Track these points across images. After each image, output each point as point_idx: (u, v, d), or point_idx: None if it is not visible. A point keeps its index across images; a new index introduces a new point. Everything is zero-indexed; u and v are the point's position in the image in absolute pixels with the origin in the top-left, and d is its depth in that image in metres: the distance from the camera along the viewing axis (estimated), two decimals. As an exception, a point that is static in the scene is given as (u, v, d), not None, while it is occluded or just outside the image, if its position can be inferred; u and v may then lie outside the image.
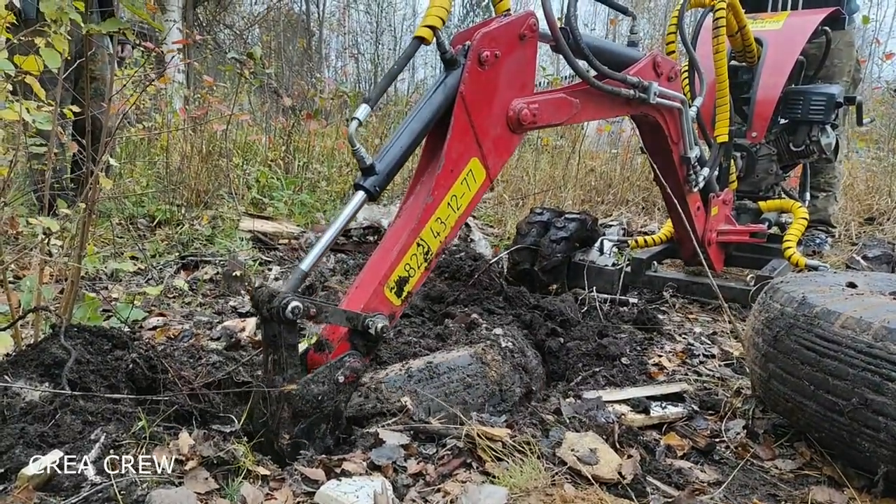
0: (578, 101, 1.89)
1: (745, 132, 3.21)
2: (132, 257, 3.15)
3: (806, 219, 3.14)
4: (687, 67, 2.84)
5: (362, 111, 1.49)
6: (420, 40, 1.55)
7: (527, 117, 1.71)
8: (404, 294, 1.56)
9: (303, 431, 1.38)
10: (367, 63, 16.38)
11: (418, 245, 1.56)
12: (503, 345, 2.02)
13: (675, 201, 2.54)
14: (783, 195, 3.53)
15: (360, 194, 1.52)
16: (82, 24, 1.63)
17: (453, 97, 1.58)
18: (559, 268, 2.99)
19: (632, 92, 2.03)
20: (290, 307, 1.32)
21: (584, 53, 1.87)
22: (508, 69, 1.68)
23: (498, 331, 2.11)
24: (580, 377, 2.13)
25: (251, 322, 2.35)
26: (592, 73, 1.98)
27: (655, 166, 2.53)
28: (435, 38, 1.55)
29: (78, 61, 2.60)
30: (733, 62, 3.23)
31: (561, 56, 1.87)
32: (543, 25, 1.78)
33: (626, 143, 6.13)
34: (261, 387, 1.41)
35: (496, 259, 3.04)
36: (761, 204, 3.32)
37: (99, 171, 1.72)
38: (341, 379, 1.43)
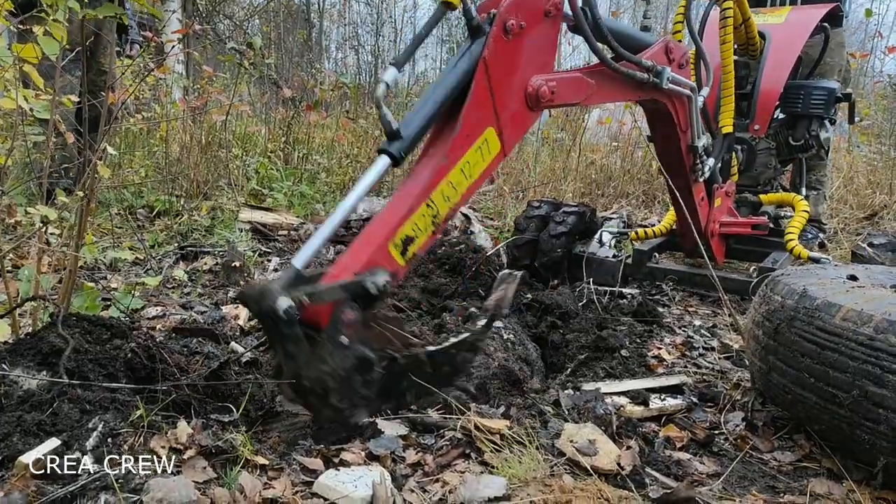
0: (594, 82, 1.88)
1: (746, 125, 3.20)
2: (130, 248, 3.14)
3: (807, 211, 3.13)
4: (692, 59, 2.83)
5: (390, 74, 1.48)
6: (447, 5, 1.54)
7: (545, 94, 1.70)
8: (409, 254, 1.51)
9: (346, 395, 1.35)
10: (368, 55, 16.30)
11: (428, 206, 1.52)
12: (504, 337, 2.02)
13: (680, 191, 2.53)
14: (780, 189, 3.52)
15: (385, 159, 1.49)
16: (79, 10, 1.61)
17: (477, 65, 1.57)
18: (560, 262, 2.99)
19: (646, 76, 2.02)
20: (282, 309, 1.27)
21: (603, 34, 1.86)
22: (531, 43, 1.67)
23: (499, 323, 2.11)
24: (579, 369, 2.13)
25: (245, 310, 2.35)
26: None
27: (661, 155, 2.52)
28: (462, 4, 1.54)
29: (76, 50, 2.58)
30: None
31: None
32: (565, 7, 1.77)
33: (627, 136, 6.11)
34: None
35: (493, 251, 3.03)
36: (762, 197, 3.32)
37: (97, 159, 1.71)
38: (345, 340, 1.36)
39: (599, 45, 1.87)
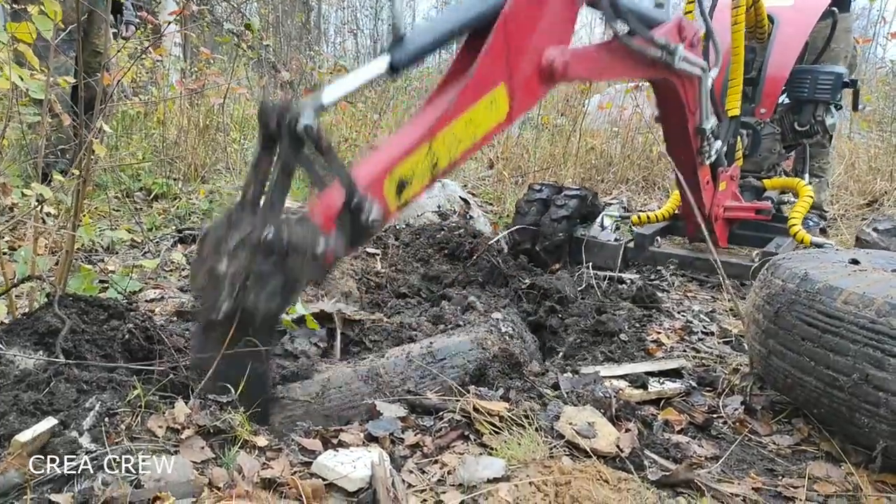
0: (607, 58, 1.88)
1: (753, 109, 3.18)
2: (128, 230, 3.12)
3: (811, 196, 3.12)
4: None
5: None
6: None
7: (559, 68, 1.68)
8: (403, 199, 1.45)
9: (252, 279, 1.19)
10: (367, 39, 16.18)
11: (430, 151, 1.46)
12: (503, 330, 2.01)
13: (685, 173, 2.52)
14: (783, 175, 3.51)
15: (384, 59, 1.39)
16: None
17: (496, 11, 1.54)
18: (561, 246, 2.98)
19: (659, 53, 2.01)
20: (303, 126, 1.14)
21: (620, 9, 1.84)
22: (551, 14, 1.65)
23: (497, 315, 2.10)
24: (577, 353, 2.13)
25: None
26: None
27: (668, 136, 2.51)
28: None
29: (69, 29, 2.55)
30: None
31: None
32: None
33: (628, 122, 6.07)
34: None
35: (495, 240, 3.02)
36: (765, 182, 3.31)
37: (92, 138, 1.69)
38: (320, 250, 1.22)
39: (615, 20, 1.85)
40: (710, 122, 2.49)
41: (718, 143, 2.62)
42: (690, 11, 2.69)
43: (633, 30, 1.92)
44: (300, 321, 2.01)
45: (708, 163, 2.63)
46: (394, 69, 1.40)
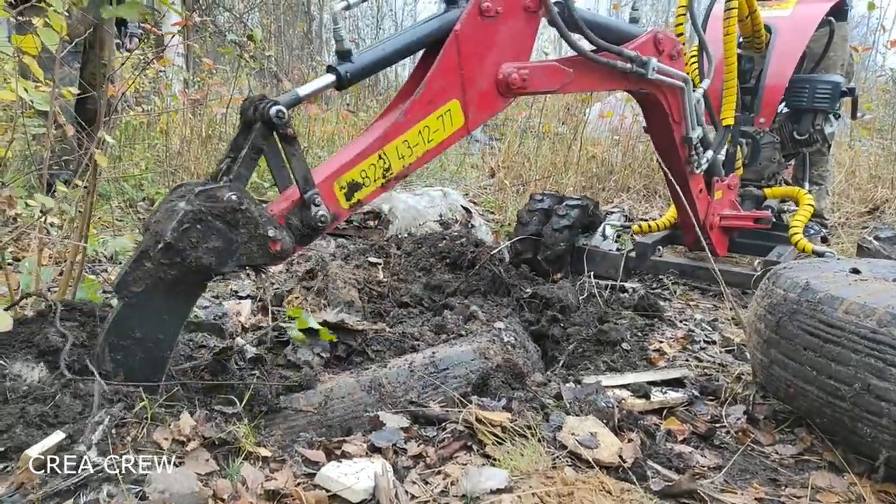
0: (572, 71, 1.89)
1: (752, 119, 3.19)
2: (132, 240, 3.13)
3: (812, 205, 3.12)
4: (696, 52, 2.82)
5: None
6: None
7: (516, 81, 1.72)
8: (354, 200, 1.52)
9: (202, 227, 1.26)
10: (368, 48, 16.21)
11: (380, 158, 1.54)
12: (505, 339, 2.01)
13: (677, 183, 2.53)
14: (783, 184, 3.52)
15: (329, 76, 1.49)
16: (84, 3, 1.60)
17: (448, 30, 1.59)
18: (563, 256, 2.99)
19: (628, 65, 2.02)
20: (275, 109, 1.32)
21: (578, 26, 1.86)
22: (506, 32, 1.69)
23: (499, 324, 2.10)
24: (579, 362, 2.13)
25: (247, 305, 2.35)
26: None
27: (657, 146, 2.52)
28: None
29: (75, 41, 2.57)
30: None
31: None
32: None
33: (628, 131, 6.09)
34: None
35: (497, 250, 3.02)
36: (766, 191, 3.31)
37: (95, 149, 1.70)
38: (270, 233, 1.33)
39: (574, 35, 1.87)
40: (697, 133, 2.50)
41: (710, 153, 2.62)
42: (681, 24, 2.71)
43: (595, 44, 1.94)
44: (311, 332, 2.01)
45: (699, 172, 2.63)
46: (341, 82, 1.50)
